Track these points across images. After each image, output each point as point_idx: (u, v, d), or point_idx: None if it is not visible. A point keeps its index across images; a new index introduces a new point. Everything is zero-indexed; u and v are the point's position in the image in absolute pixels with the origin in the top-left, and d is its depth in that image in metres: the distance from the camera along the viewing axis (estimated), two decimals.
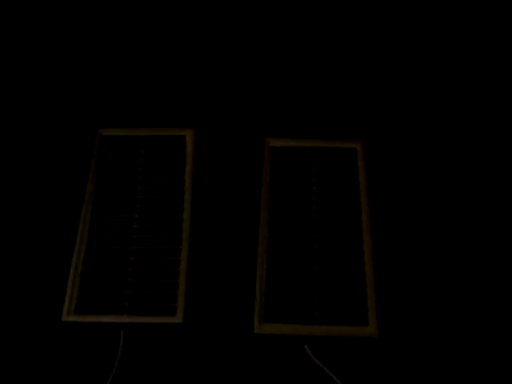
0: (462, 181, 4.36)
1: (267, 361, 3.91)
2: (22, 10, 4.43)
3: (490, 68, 4.68)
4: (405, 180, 4.43)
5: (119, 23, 4.56)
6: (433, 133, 4.51)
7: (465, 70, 4.63)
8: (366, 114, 4.69)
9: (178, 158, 4.77)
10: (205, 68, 5.01)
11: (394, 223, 4.24)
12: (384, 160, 4.50)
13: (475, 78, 4.72)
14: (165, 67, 5.02)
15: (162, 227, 4.44)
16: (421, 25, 4.30)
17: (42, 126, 4.92)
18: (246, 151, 4.63)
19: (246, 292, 4.13)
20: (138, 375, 3.90)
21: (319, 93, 4.85)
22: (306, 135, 4.73)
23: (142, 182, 4.67)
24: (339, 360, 3.87)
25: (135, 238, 4.39)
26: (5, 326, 4.13)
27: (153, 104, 4.96)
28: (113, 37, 4.72)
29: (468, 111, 4.58)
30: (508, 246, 4.09)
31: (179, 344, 4.01)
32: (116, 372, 3.92)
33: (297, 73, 4.92)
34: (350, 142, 4.64)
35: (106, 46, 4.84)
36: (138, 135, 4.79)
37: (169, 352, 3.99)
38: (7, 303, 4.20)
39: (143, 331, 4.08)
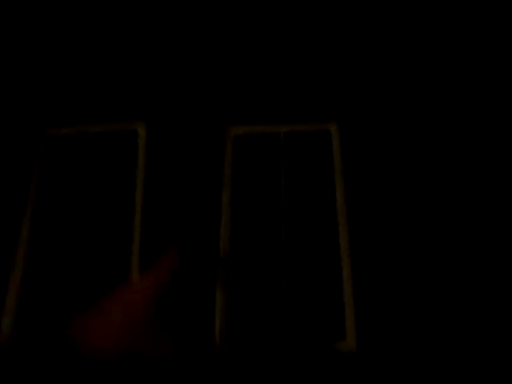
0: (442, 164, 3.79)
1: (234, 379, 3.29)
2: None
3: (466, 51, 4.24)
4: (384, 164, 3.79)
5: (56, 15, 4.02)
6: (413, 110, 3.95)
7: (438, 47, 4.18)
8: (339, 92, 4.04)
9: (130, 155, 4.19)
10: (153, 52, 4.41)
11: (373, 214, 3.64)
12: (361, 142, 3.88)
13: (447, 56, 4.23)
14: (110, 54, 4.44)
15: (110, 231, 3.82)
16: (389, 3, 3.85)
17: None
18: (206, 143, 4.04)
19: (204, 309, 3.52)
20: None
21: (284, 72, 4.19)
22: (273, 120, 4.12)
23: (89, 184, 4.05)
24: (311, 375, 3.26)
25: (78, 237, 3.76)
26: None
27: (99, 97, 4.37)
28: (52, 33, 4.17)
29: (444, 88, 4.07)
30: (488, 235, 3.57)
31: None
32: None
33: (257, 52, 4.30)
34: (323, 124, 3.97)
35: (44, 41, 4.27)
36: (84, 132, 4.19)
37: None
38: None
39: None
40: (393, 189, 3.68)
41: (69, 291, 3.68)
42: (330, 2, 3.90)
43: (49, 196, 4.01)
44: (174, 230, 3.78)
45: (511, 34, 4.10)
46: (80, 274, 3.75)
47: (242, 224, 3.69)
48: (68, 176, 4.08)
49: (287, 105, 4.06)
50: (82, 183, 4.12)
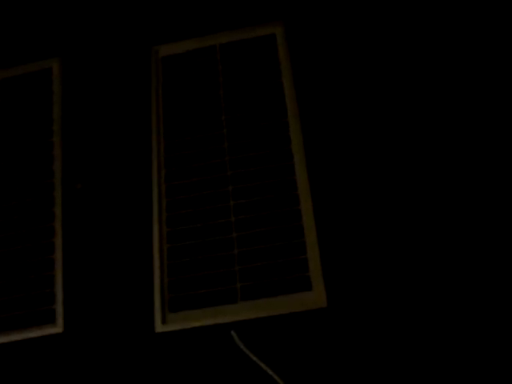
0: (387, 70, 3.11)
1: (180, 358, 2.63)
2: None
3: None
4: (340, 68, 2.98)
5: None
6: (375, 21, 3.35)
7: None
8: None
9: (44, 100, 3.46)
10: None
11: (332, 137, 2.90)
12: (312, 44, 3.05)
13: None
14: None
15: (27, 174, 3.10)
16: None
17: None
18: (129, 69, 3.31)
19: (142, 276, 2.84)
20: None
21: None
22: (204, 31, 3.30)
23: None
24: (276, 341, 2.61)
25: None
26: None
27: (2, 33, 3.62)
28: None
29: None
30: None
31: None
32: None
33: None
34: (266, 27, 3.12)
35: None
36: None
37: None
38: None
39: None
40: (349, 98, 2.97)
41: None
42: None
43: None
44: (97, 173, 3.09)
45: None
46: None
47: (177, 161, 2.99)
48: None
49: (219, 10, 3.27)
50: None
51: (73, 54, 3.56)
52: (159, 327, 2.63)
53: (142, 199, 2.99)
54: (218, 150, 2.93)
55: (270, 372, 2.50)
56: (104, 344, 2.68)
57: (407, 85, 2.93)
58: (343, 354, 2.50)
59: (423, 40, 3.04)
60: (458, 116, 2.86)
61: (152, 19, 3.41)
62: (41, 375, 2.68)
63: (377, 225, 2.69)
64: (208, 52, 3.29)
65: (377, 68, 2.95)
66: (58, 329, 2.70)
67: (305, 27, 3.10)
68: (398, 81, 2.95)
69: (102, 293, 2.80)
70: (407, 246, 2.63)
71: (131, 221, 2.95)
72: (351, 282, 2.60)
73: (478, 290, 2.53)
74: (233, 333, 2.60)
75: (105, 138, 3.18)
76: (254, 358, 2.54)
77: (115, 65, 3.37)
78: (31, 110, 3.39)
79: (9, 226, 3.09)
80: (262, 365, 2.52)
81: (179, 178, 2.94)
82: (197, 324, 2.58)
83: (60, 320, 2.70)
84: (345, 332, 2.55)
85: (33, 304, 2.86)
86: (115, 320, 2.72)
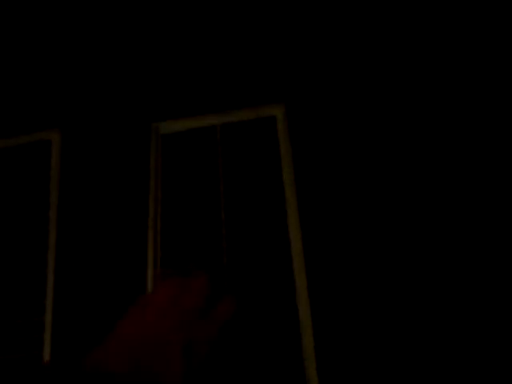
0: (394, 148, 3.05)
1: None
2: None
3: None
4: (339, 154, 2.95)
5: None
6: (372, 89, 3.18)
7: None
8: (283, 70, 3.17)
9: (43, 170, 3.41)
10: (57, 47, 3.65)
11: (327, 212, 2.88)
12: (313, 127, 3.03)
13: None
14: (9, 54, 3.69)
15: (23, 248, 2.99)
16: None
17: None
18: (129, 145, 3.29)
19: None
20: None
21: (215, 50, 3.36)
22: (206, 110, 3.29)
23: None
24: None
25: None
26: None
27: (3, 106, 3.61)
28: None
29: (397, 64, 3.31)
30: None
31: None
32: None
33: (178, 34, 3.48)
34: (267, 108, 3.09)
35: None
36: None
37: None
38: None
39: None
40: (348, 182, 2.92)
41: None
42: None
43: None
44: (97, 247, 3.00)
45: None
46: None
47: (173, 234, 2.90)
48: None
49: (220, 90, 3.30)
50: None
51: (73, 126, 3.54)
52: None
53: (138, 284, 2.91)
54: (217, 237, 2.87)
55: None
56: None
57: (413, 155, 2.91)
58: None
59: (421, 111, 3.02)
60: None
61: (153, 95, 3.41)
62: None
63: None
64: (208, 132, 3.28)
65: (380, 156, 2.93)
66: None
67: (306, 110, 3.09)
68: (401, 168, 2.92)
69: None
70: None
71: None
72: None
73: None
74: None
75: (102, 214, 3.11)
76: None
77: (115, 139, 3.34)
78: (28, 181, 3.34)
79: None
80: None
81: (175, 253, 2.87)
82: None
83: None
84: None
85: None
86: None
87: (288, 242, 2.73)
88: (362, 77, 3.08)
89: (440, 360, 2.50)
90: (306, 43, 3.25)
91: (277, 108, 3.11)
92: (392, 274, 2.64)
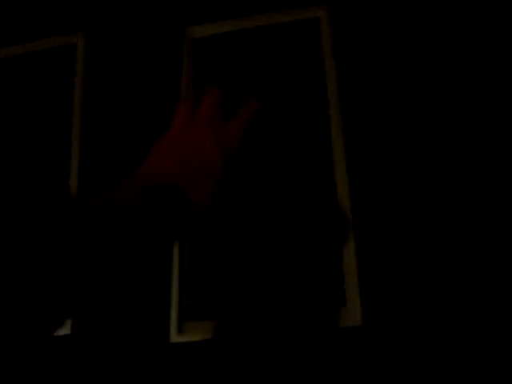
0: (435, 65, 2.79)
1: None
2: None
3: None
4: (387, 58, 2.72)
5: None
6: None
7: None
8: None
9: (65, 79, 3.24)
10: None
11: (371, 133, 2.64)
12: (359, 30, 2.75)
13: None
14: None
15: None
16: None
17: None
18: (159, 50, 3.02)
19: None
20: None
21: None
22: (242, 13, 3.07)
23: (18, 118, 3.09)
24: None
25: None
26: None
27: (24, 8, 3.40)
28: None
29: None
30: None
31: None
32: None
33: None
34: (309, 10, 2.69)
35: None
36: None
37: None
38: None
39: None
40: (394, 90, 2.64)
41: None
42: None
43: None
44: (118, 162, 2.88)
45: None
46: None
47: None
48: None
49: None
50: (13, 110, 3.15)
51: (100, 29, 3.35)
52: (174, 337, 2.34)
53: None
54: None
55: None
56: (112, 351, 2.46)
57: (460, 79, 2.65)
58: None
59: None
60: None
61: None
62: (47, 381, 2.47)
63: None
64: (245, 35, 3.03)
65: (428, 60, 2.66)
66: (65, 330, 2.47)
67: (350, 13, 2.82)
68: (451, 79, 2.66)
69: (111, 293, 2.59)
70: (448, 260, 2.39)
71: None
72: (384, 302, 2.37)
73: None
74: None
75: (129, 124, 2.96)
76: None
77: (144, 43, 3.14)
78: (51, 88, 3.19)
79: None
80: None
81: None
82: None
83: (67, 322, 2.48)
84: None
85: None
86: (125, 326, 2.51)
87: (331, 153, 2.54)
88: None
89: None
90: None
91: (320, 9, 2.64)
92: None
